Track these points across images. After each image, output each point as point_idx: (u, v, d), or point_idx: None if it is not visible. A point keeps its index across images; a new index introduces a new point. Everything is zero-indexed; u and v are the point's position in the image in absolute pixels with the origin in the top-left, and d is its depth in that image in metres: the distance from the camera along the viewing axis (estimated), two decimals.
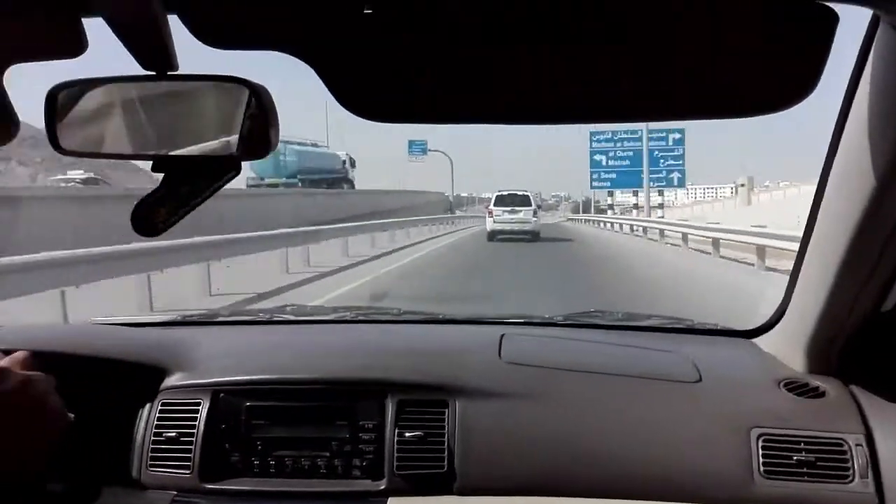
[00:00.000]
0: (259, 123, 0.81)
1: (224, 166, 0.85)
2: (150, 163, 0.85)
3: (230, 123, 0.84)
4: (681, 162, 36.23)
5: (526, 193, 25.01)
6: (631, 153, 37.46)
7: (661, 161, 36.62)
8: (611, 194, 39.82)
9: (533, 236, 23.14)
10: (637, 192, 38.62)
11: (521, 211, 23.60)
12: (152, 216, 0.82)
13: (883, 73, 0.98)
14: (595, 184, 39.67)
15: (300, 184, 39.86)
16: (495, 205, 24.15)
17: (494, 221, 23.67)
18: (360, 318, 2.02)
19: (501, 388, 1.39)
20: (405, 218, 28.59)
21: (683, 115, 0.74)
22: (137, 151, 0.89)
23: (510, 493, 1.30)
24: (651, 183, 36.47)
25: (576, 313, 2.01)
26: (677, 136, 36.14)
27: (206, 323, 2.02)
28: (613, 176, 38.28)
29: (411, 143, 57.73)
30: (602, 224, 38.25)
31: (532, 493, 1.30)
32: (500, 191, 25.59)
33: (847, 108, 1.10)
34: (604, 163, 38.19)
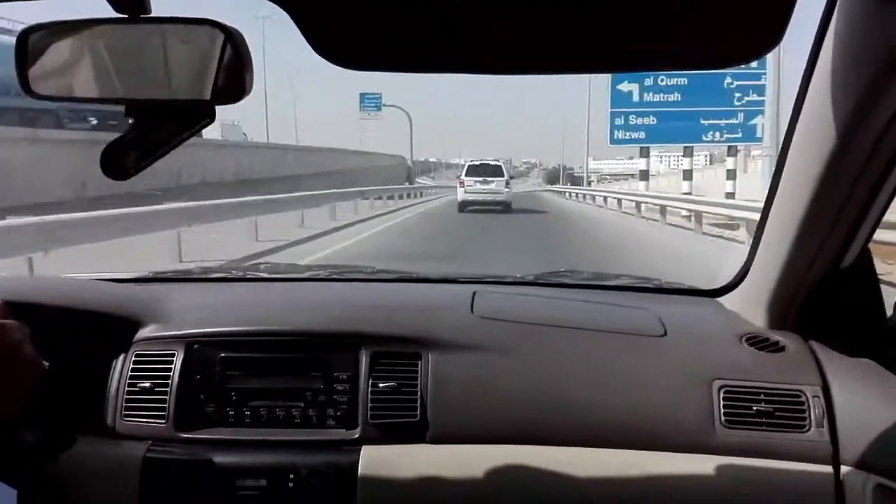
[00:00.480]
0: (233, 68, 0.81)
1: (198, 113, 0.85)
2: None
3: (204, 68, 0.83)
4: (762, 99, 19.64)
5: (498, 163, 24.67)
6: (683, 84, 21.33)
7: (735, 97, 20.97)
8: (645, 153, 23.29)
9: (505, 207, 22.71)
10: (688, 149, 22.94)
11: (493, 181, 23.13)
12: (122, 160, 0.82)
13: (846, 32, 1.00)
14: (619, 135, 22.70)
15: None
16: (467, 175, 23.57)
17: (466, 192, 23.09)
18: (334, 276, 2.03)
19: (473, 342, 1.42)
20: (332, 190, 20.79)
21: (649, 65, 0.75)
22: (110, 95, 0.87)
23: (481, 441, 1.34)
24: (711, 134, 21.64)
25: (546, 273, 2.04)
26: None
27: (179, 279, 2.02)
28: (652, 122, 22.08)
29: (363, 97, 49.87)
30: (586, 198, 31.60)
31: (503, 441, 1.34)
32: (471, 160, 25.10)
33: (811, 67, 1.12)
34: (634, 97, 22.14)
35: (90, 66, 0.89)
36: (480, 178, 23.17)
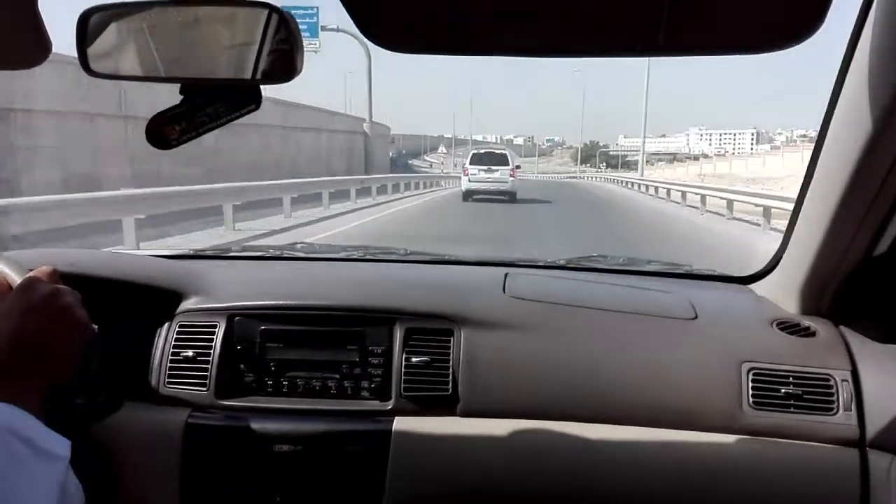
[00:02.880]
0: (285, 50, 0.85)
1: (247, 96, 0.88)
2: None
3: (256, 48, 0.86)
4: None
5: (504, 152, 23.99)
6: None
7: None
8: None
9: (510, 197, 22.13)
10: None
11: (497, 170, 22.33)
12: (165, 132, 0.86)
13: (884, 25, 1.01)
14: None
15: None
16: (471, 163, 22.87)
17: (470, 181, 22.56)
18: (369, 257, 2.07)
19: (505, 320, 1.45)
20: None
21: (685, 50, 0.76)
22: (165, 75, 0.91)
23: (510, 416, 1.37)
24: None
25: (579, 257, 2.06)
26: None
27: (220, 257, 2.08)
28: None
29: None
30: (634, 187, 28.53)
31: (531, 417, 1.37)
32: (476, 149, 24.33)
33: (849, 58, 1.13)
34: None
35: (146, 47, 0.92)
36: (485, 167, 22.47)
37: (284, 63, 0.85)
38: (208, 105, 0.87)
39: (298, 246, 2.26)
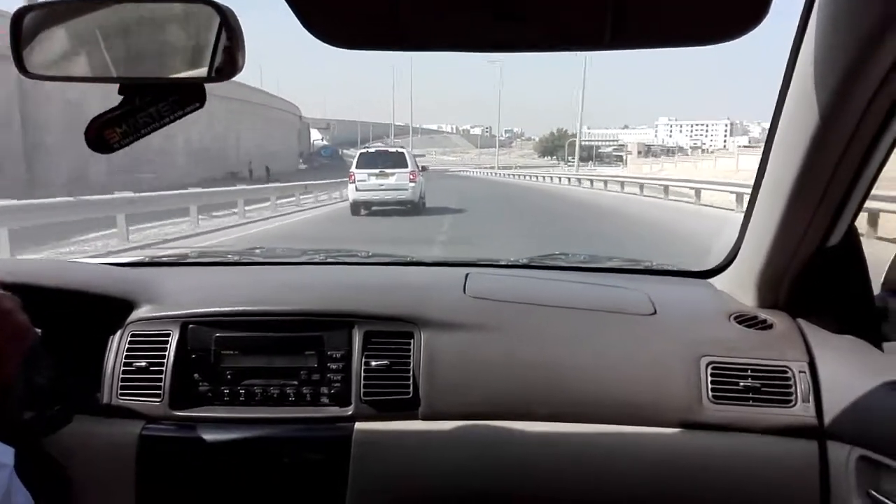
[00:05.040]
0: (227, 47, 0.82)
1: (189, 94, 0.86)
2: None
3: (198, 47, 0.84)
4: None
5: (400, 151, 18.82)
6: None
7: None
8: None
9: (412, 207, 17.27)
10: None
11: (393, 174, 17.26)
12: (106, 135, 0.83)
13: (830, 12, 1.02)
14: None
15: None
16: (358, 167, 17.51)
17: (357, 188, 17.25)
18: (329, 259, 2.05)
19: (465, 321, 1.44)
20: None
21: (631, 44, 0.75)
22: (104, 75, 0.88)
23: (472, 417, 1.36)
24: None
25: (540, 256, 2.06)
26: None
27: (175, 263, 2.03)
28: None
29: None
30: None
31: (493, 418, 1.36)
32: (366, 147, 19.87)
33: (797, 49, 1.13)
34: None
35: (84, 47, 0.89)
36: (376, 171, 17.29)
37: (227, 61, 0.83)
38: (150, 105, 0.85)
39: (258, 251, 2.23)
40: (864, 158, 1.16)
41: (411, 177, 17.51)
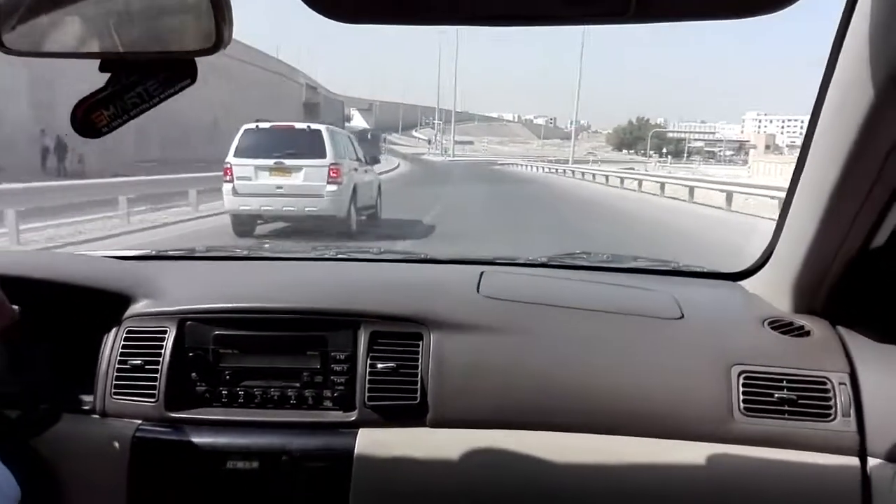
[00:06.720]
0: (213, 20, 0.77)
1: (178, 70, 0.81)
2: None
3: (184, 18, 0.80)
4: None
5: (316, 129, 10.55)
6: None
7: None
8: None
9: (337, 225, 10.12)
10: None
11: (297, 169, 10.10)
12: (93, 118, 0.80)
13: (871, 17, 0.96)
14: None
15: None
16: (239, 154, 10.18)
17: (236, 192, 10.02)
18: (340, 255, 1.99)
19: (478, 322, 1.37)
20: None
21: (668, 16, 0.68)
22: (86, 50, 0.84)
23: (484, 426, 1.29)
24: None
25: (560, 254, 1.98)
26: None
27: (181, 258, 1.98)
28: None
29: None
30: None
31: (507, 427, 1.28)
32: (256, 123, 10.60)
33: (839, 44, 1.06)
34: None
35: (65, 22, 0.85)
36: (270, 161, 10.09)
37: (214, 31, 0.77)
38: (138, 84, 0.80)
39: (266, 246, 2.19)
40: None
41: (331, 174, 10.10)
